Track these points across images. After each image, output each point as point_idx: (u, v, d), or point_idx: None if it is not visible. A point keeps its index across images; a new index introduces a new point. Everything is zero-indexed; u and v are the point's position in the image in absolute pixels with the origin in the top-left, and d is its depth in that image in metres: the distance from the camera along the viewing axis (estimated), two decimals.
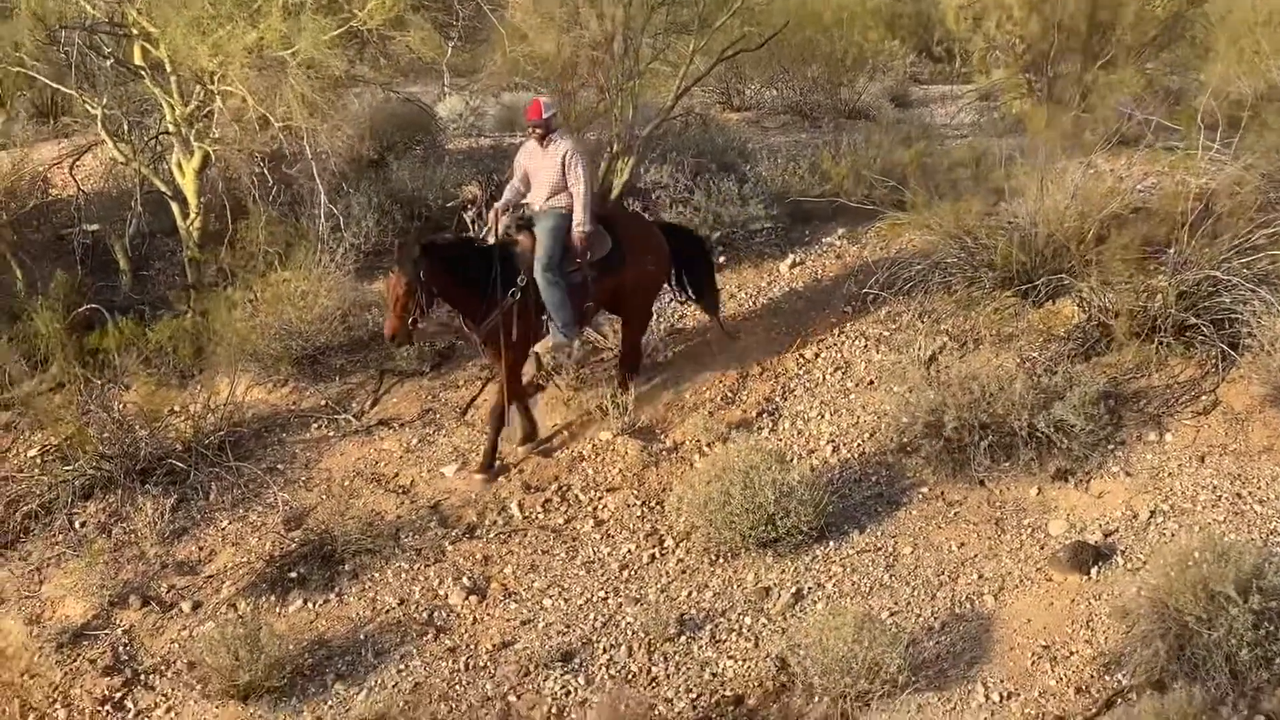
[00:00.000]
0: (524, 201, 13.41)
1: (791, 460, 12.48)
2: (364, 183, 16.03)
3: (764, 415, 13.43)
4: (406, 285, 12.57)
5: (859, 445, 12.89)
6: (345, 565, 12.51)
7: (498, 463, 13.32)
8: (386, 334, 12.96)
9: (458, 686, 11.24)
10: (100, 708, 11.67)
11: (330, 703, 11.27)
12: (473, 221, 14.99)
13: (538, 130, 13.23)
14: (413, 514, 12.97)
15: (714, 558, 12.03)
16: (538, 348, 13.58)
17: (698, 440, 13.20)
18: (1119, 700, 10.16)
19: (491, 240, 13.35)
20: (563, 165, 13.10)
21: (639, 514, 12.67)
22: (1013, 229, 13.82)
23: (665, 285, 14.11)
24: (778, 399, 13.59)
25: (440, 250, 12.92)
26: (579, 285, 13.18)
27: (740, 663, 11.07)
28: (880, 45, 21.53)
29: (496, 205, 13.48)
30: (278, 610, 12.25)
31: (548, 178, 13.18)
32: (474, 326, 13.13)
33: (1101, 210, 13.63)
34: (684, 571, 12.03)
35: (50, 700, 11.79)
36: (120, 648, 12.21)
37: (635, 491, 12.88)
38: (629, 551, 12.32)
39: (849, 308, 14.46)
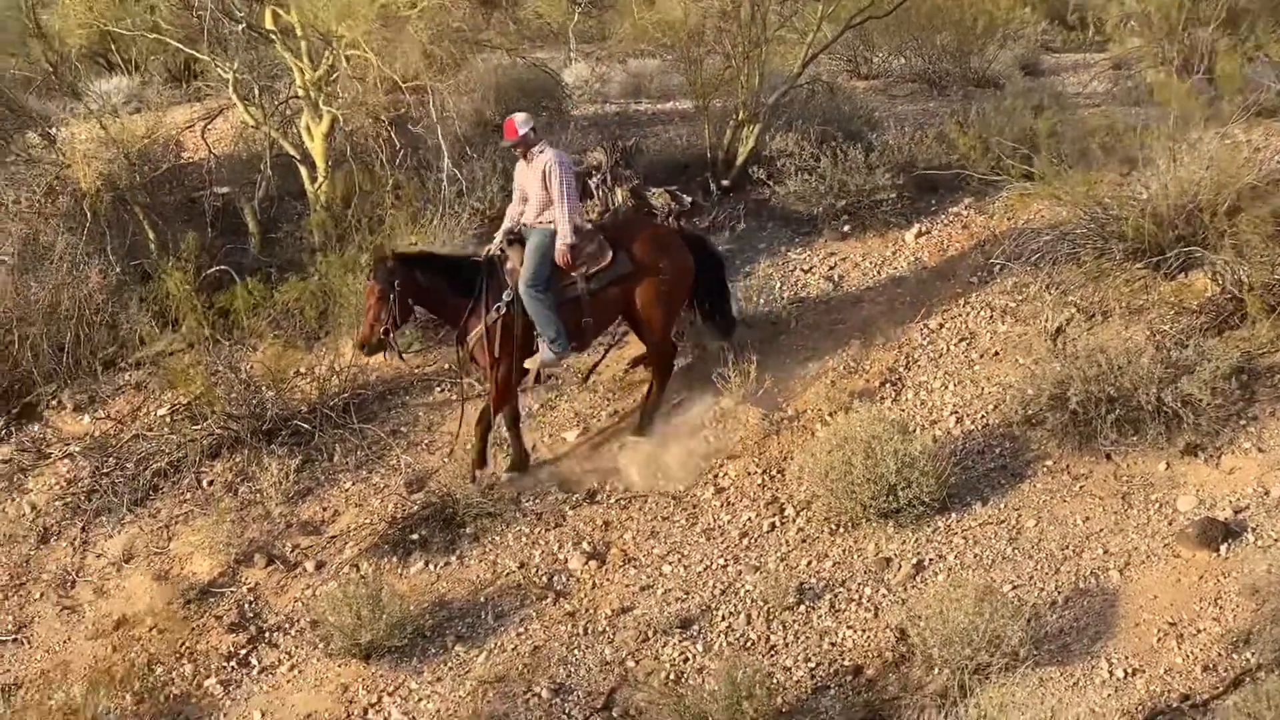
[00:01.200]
0: (522, 221, 13.14)
1: (914, 430, 12.34)
2: (488, 147, 16.02)
3: (887, 385, 13.31)
4: (379, 294, 12.57)
5: (983, 416, 12.74)
6: (466, 528, 12.62)
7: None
8: (356, 342, 12.99)
9: (576, 651, 11.30)
10: (225, 663, 11.91)
11: (450, 663, 11.40)
12: (596, 188, 15.02)
13: (517, 149, 12.99)
14: (534, 478, 13.04)
15: (834, 527, 11.95)
16: (527, 364, 13.10)
17: (819, 409, 13.09)
18: (1247, 679, 9.94)
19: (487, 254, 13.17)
20: (543, 178, 12.81)
21: (759, 482, 12.61)
22: (1144, 200, 13.57)
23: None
24: (901, 369, 13.47)
25: (416, 261, 12.89)
26: (573, 300, 12.93)
27: (859, 633, 11.00)
28: (1011, 13, 21.14)
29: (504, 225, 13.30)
30: (399, 571, 12.40)
31: (535, 193, 12.92)
32: (459, 339, 13.11)
33: (1237, 181, 13.32)
34: (804, 540, 11.97)
35: (177, 655, 12.03)
36: (245, 605, 12.42)
37: (756, 460, 12.82)
38: (749, 519, 12.28)
39: (975, 278, 14.27)
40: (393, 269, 12.55)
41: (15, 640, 12.62)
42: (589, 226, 13.25)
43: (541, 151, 12.87)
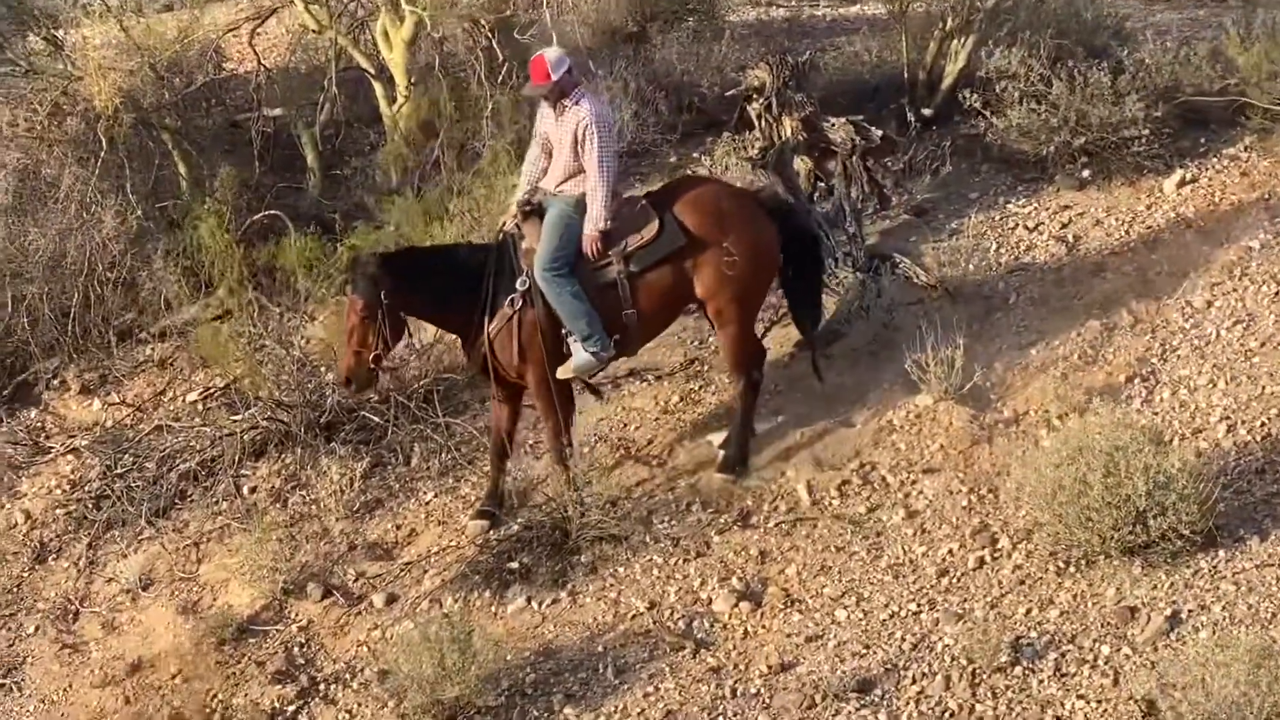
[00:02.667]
0: (541, 186, 13.07)
1: (1171, 441, 12.25)
2: (619, 62, 16.13)
3: (1135, 380, 13.23)
4: (364, 311, 12.52)
5: (1263, 425, 12.61)
6: (581, 556, 12.69)
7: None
8: (340, 378, 13.00)
9: (721, 718, 11.26)
10: None
11: None
12: (758, 116, 15.02)
13: (548, 97, 12.89)
14: (670, 493, 13.11)
15: (1062, 565, 11.88)
16: (559, 373, 12.88)
17: (1046, 410, 13.07)
18: None
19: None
20: (575, 139, 12.69)
21: (964, 504, 12.59)
22: None
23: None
24: (1154, 360, 13.39)
25: (404, 262, 12.88)
26: (609, 286, 12.83)
27: (1093, 704, 10.90)
28: None
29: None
30: (493, 610, 12.50)
31: (562, 153, 12.82)
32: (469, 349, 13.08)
33: None
34: (1022, 582, 11.91)
35: (207, 711, 12.21)
36: (295, 648, 12.60)
37: (960, 475, 12.80)
38: (950, 553, 12.25)
39: (1255, 242, 14.16)
40: (377, 276, 12.49)
41: (2, 686, 12.88)
42: (627, 194, 13.24)
43: (578, 103, 12.72)
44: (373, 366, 12.60)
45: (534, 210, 12.88)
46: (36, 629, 13.22)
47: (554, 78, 12.59)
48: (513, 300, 12.63)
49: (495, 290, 12.70)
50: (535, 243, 12.67)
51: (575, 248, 12.64)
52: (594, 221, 12.60)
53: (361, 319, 12.47)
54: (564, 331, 12.69)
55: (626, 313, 12.77)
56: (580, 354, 12.68)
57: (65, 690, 12.70)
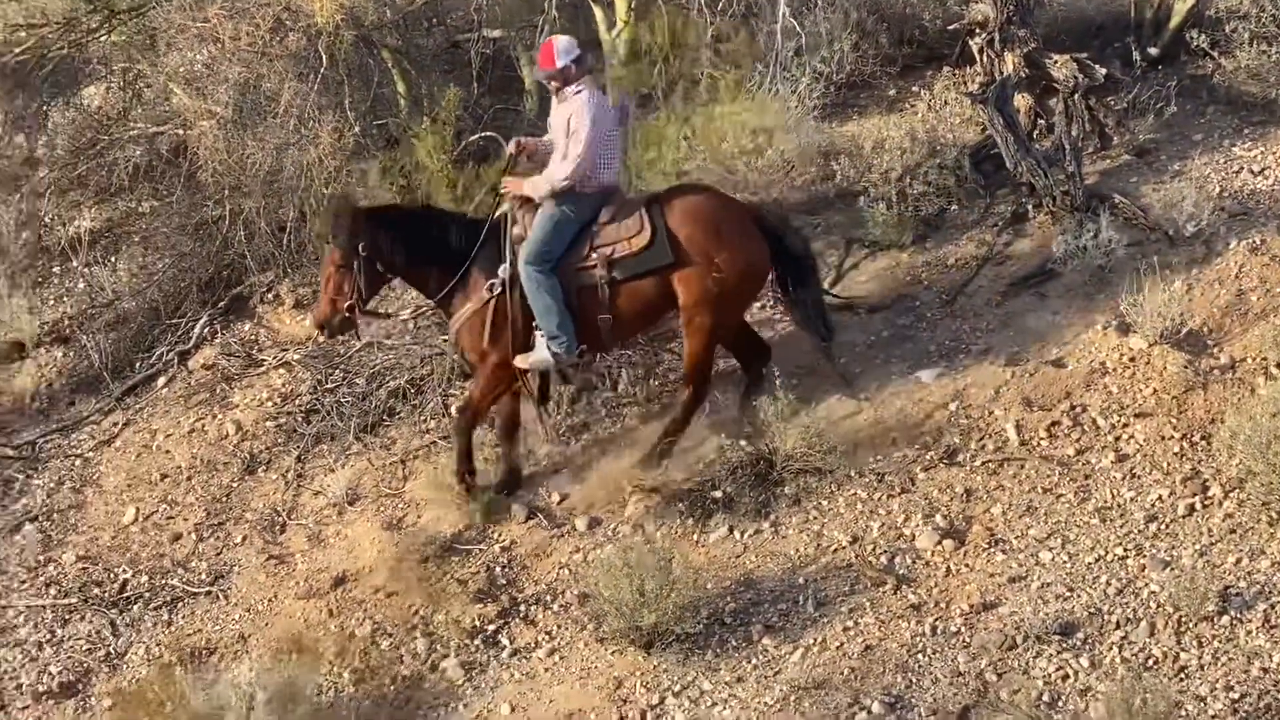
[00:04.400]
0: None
1: None
2: None
3: None
4: (340, 259, 12.59)
5: None
6: (784, 487, 12.65)
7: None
8: (313, 323, 13.09)
9: (921, 655, 11.21)
10: (469, 641, 12.17)
11: (754, 661, 11.43)
12: (980, 51, 14.84)
13: (551, 82, 12.82)
14: (876, 428, 13.00)
15: (1275, 515, 11.64)
16: (519, 361, 12.83)
17: (1264, 358, 12.80)
18: None
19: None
20: (567, 124, 12.62)
21: (1176, 450, 12.39)
22: None
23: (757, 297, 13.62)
24: None
25: (387, 218, 12.89)
26: (588, 289, 12.71)
27: None
28: None
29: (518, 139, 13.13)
30: (695, 538, 12.52)
31: (559, 140, 12.75)
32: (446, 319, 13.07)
33: None
34: (1233, 530, 11.71)
35: (409, 626, 12.32)
36: (497, 568, 12.71)
37: (1173, 420, 12.59)
38: (1159, 499, 12.07)
39: None
40: (356, 228, 12.56)
41: (209, 593, 13.06)
42: (633, 195, 13.09)
43: (579, 92, 12.71)
44: (346, 316, 12.72)
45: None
46: (244, 539, 13.39)
47: (559, 64, 12.61)
48: (492, 285, 12.65)
49: (477, 269, 12.73)
50: (527, 231, 12.66)
51: (564, 246, 12.62)
52: (545, 180, 12.60)
53: (337, 268, 12.61)
54: (534, 324, 12.66)
55: (602, 317, 12.72)
56: (542, 350, 12.70)
57: (270, 600, 12.86)
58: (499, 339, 12.70)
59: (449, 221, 13.09)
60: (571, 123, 12.54)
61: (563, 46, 12.63)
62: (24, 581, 13.42)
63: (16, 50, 15.54)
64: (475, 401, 13.06)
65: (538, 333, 12.66)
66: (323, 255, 12.84)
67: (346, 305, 12.63)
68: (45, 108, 16.23)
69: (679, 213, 12.72)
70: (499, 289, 12.62)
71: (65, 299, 15.79)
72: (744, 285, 12.91)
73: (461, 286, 12.77)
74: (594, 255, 12.62)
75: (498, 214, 12.96)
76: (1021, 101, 14.72)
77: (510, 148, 12.98)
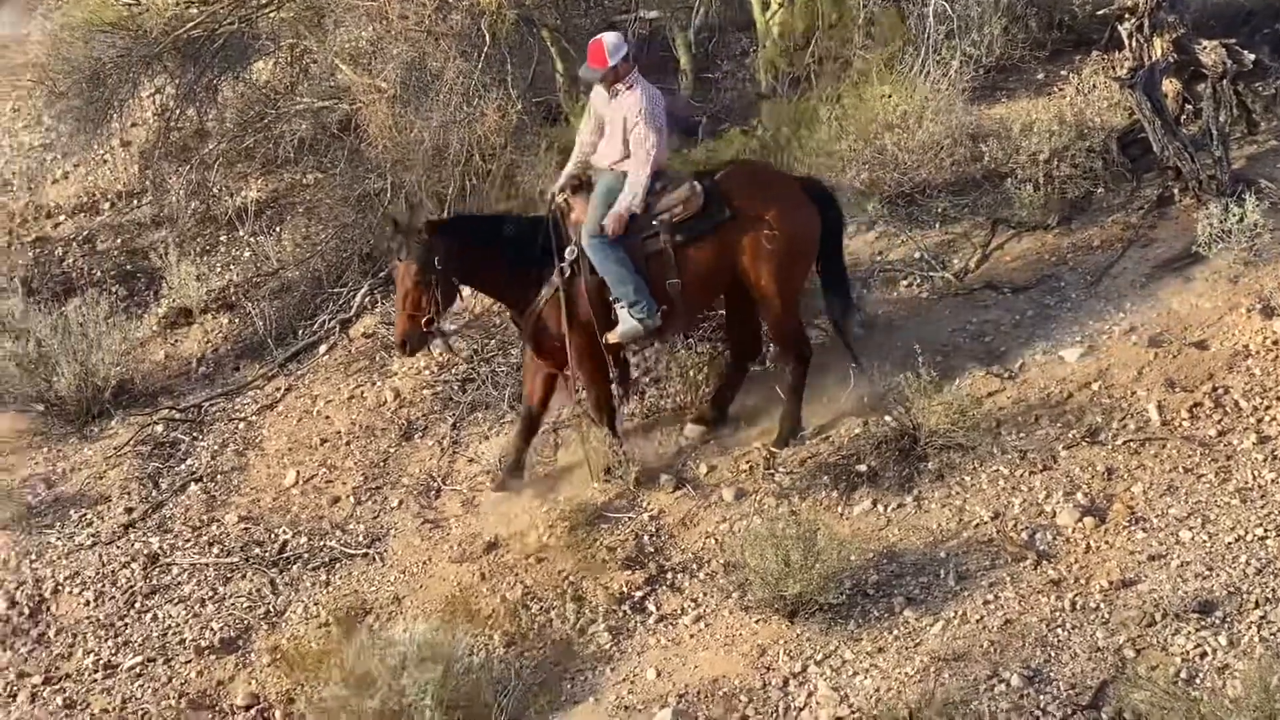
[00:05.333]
0: (593, 161, 13.07)
1: None
2: None
3: None
4: (416, 275, 12.51)
5: None
6: (928, 463, 12.66)
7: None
8: (395, 340, 13.04)
9: (1060, 630, 11.18)
10: (616, 606, 12.24)
11: (896, 632, 11.46)
12: (1129, 36, 14.76)
13: (603, 80, 12.84)
14: (1019, 406, 12.98)
15: None
16: (609, 336, 12.84)
17: None
18: None
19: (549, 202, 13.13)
20: (624, 124, 12.69)
21: None
22: None
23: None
24: None
25: (457, 228, 12.86)
26: (655, 255, 12.77)
27: None
28: None
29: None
30: (839, 510, 12.55)
31: (614, 135, 12.82)
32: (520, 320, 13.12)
33: None
34: None
35: (559, 591, 12.42)
36: (645, 537, 12.78)
37: None
38: None
39: None
40: (431, 242, 12.53)
41: (366, 555, 13.24)
42: (678, 173, 13.06)
43: (631, 89, 12.78)
44: (425, 332, 12.72)
45: (583, 185, 12.97)
46: (400, 503, 13.53)
47: (611, 62, 12.66)
48: (561, 270, 12.69)
49: (545, 261, 12.75)
50: (583, 215, 12.72)
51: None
52: (624, 201, 12.61)
53: (415, 283, 12.55)
54: (612, 299, 12.70)
55: (671, 282, 12.75)
56: (627, 320, 12.69)
57: (425, 563, 12.99)
58: (577, 321, 12.77)
59: (512, 223, 13.18)
60: (629, 119, 12.65)
61: (611, 45, 12.72)
62: (188, 540, 13.61)
63: (189, 25, 15.74)
64: (596, 397, 13.17)
65: (617, 305, 12.73)
66: (396, 273, 12.82)
67: (425, 320, 12.63)
68: (215, 82, 16.41)
69: (727, 178, 12.95)
70: (567, 272, 12.70)
71: (231, 267, 15.97)
72: (796, 245, 12.95)
73: (534, 281, 12.83)
74: (655, 223, 12.71)
75: (552, 207, 13.02)
76: (1169, 86, 14.62)
77: (558, 198, 13.06)
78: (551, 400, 13.39)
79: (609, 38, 12.82)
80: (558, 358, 13.02)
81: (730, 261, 12.87)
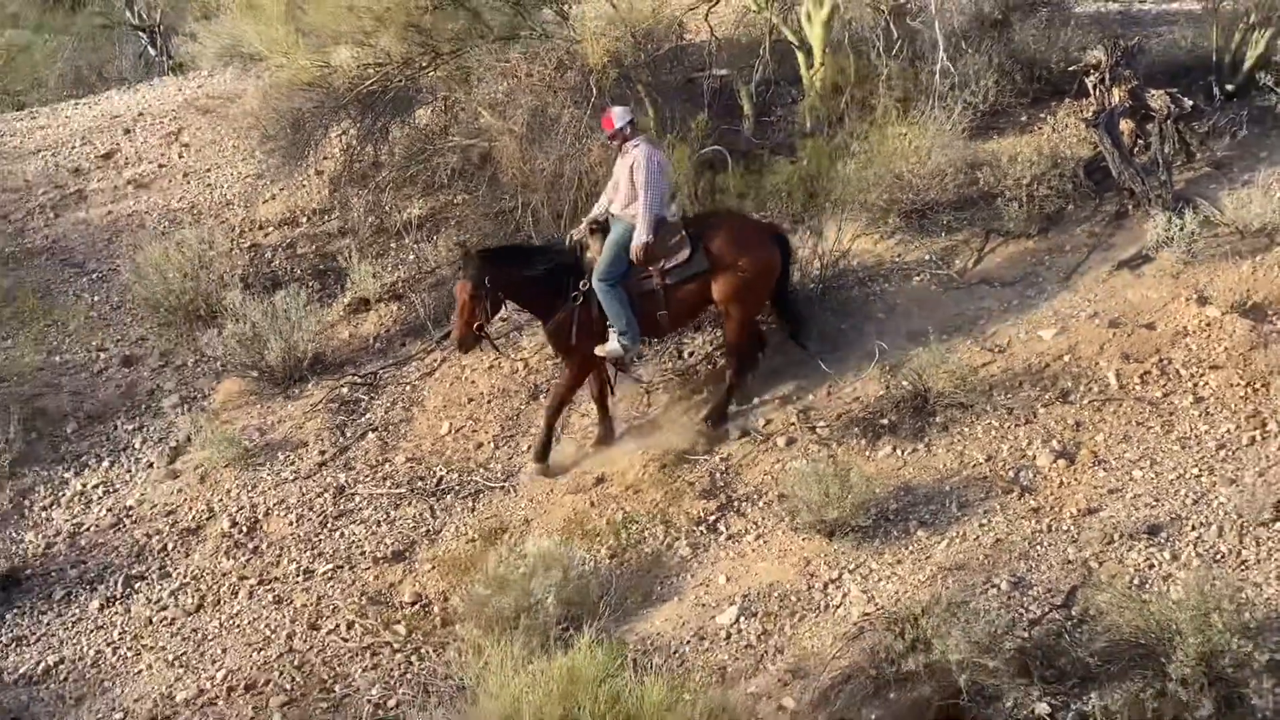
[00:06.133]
0: (610, 210, 13.09)
1: None
2: (985, 42, 15.70)
3: None
4: (472, 291, 12.69)
5: None
6: (936, 417, 12.56)
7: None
8: (454, 341, 13.14)
9: (1038, 546, 11.12)
10: (695, 527, 12.24)
11: (911, 547, 11.42)
12: (1094, 87, 14.59)
13: (614, 141, 13.07)
14: (1006, 373, 12.85)
15: None
16: (597, 350, 13.02)
17: None
18: None
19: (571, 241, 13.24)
20: (630, 171, 12.74)
21: (1242, 395, 12.10)
22: None
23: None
24: None
25: (503, 256, 13.00)
26: (649, 294, 12.89)
27: None
28: None
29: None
30: (867, 454, 12.47)
31: (623, 185, 12.87)
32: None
33: None
34: None
35: (651, 515, 12.42)
36: (717, 474, 12.74)
37: (1240, 372, 12.29)
38: (1228, 431, 11.82)
39: None
40: (483, 266, 12.75)
41: (503, 488, 13.25)
42: (673, 219, 13.04)
43: (636, 146, 12.88)
44: (478, 334, 12.93)
45: (600, 227, 13.06)
46: (528, 448, 13.49)
47: (618, 125, 12.93)
48: (575, 297, 12.83)
49: (566, 287, 12.92)
50: (597, 254, 12.88)
51: (626, 264, 12.81)
52: (639, 236, 12.73)
53: (470, 298, 12.74)
54: (608, 324, 12.86)
55: (660, 314, 12.98)
56: (614, 342, 12.92)
57: (548, 494, 12.98)
58: (583, 336, 12.93)
59: (544, 253, 13.24)
60: (634, 173, 12.77)
61: (618, 114, 13.00)
62: (367, 476, 13.63)
63: (368, 83, 15.80)
64: (562, 390, 13.33)
65: (610, 330, 12.90)
66: (456, 289, 12.98)
67: (477, 326, 12.85)
68: (387, 125, 16.47)
69: (712, 231, 12.99)
70: (580, 299, 12.84)
71: (399, 267, 15.95)
72: (759, 280, 13.02)
73: (557, 300, 12.96)
74: (651, 268, 12.83)
75: (575, 242, 13.17)
76: (1125, 125, 14.43)
77: (580, 236, 13.20)
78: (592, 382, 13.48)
79: (616, 109, 13.13)
80: (563, 357, 13.34)
81: (707, 295, 13.01)
